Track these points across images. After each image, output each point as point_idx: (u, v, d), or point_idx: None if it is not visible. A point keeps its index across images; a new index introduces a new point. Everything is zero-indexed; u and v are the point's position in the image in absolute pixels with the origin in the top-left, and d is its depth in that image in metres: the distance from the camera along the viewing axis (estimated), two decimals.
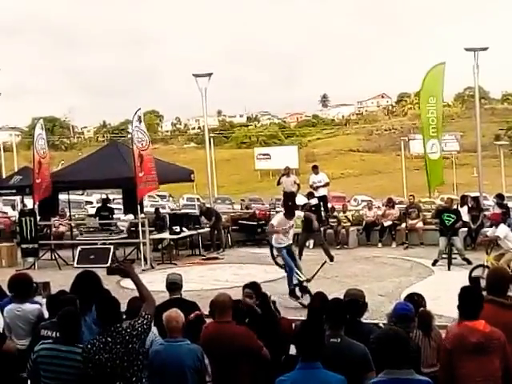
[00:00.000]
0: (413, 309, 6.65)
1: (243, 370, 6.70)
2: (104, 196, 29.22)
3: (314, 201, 19.25)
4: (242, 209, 30.47)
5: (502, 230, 14.84)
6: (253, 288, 8.01)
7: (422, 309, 6.96)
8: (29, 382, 6.39)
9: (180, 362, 6.22)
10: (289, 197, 22.66)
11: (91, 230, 21.40)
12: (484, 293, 6.83)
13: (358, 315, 6.74)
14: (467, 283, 12.21)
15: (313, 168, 23.01)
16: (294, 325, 6.85)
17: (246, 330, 6.85)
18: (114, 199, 32.28)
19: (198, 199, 36.38)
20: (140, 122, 19.00)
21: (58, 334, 6.26)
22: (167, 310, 6.62)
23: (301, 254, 17.85)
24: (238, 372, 6.68)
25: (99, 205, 25.70)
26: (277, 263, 14.98)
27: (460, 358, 5.61)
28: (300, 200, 22.77)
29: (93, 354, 5.64)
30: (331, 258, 17.97)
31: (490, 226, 18.55)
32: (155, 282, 10.31)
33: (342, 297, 6.92)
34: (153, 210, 25.21)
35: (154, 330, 6.72)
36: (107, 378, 5.60)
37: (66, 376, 5.93)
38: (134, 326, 5.70)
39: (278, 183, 23.31)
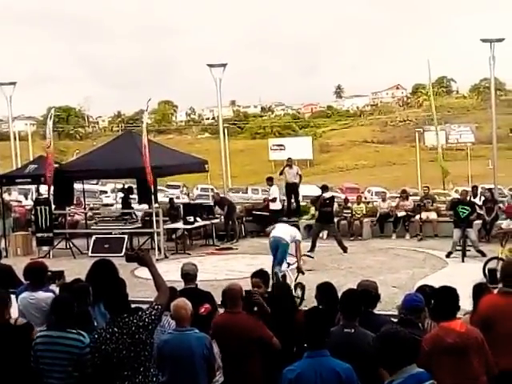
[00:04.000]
0: (423, 300, 6.63)
1: (254, 360, 6.74)
2: (119, 186, 29.31)
3: (328, 194, 19.26)
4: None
5: None
6: (260, 276, 8.02)
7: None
8: None
9: (189, 351, 6.28)
10: (291, 188, 22.87)
11: (106, 219, 21.51)
12: (500, 285, 6.84)
13: (370, 306, 6.75)
14: (481, 275, 12.25)
15: (267, 180, 23.14)
16: None
17: (255, 320, 6.87)
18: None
19: (211, 189, 36.39)
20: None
21: None
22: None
23: (314, 244, 17.90)
24: (250, 362, 6.72)
25: (122, 194, 25.65)
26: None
27: (438, 359, 5.60)
28: (309, 191, 22.82)
29: (99, 344, 5.69)
30: (345, 250, 18.01)
31: (505, 219, 18.54)
32: (169, 271, 10.36)
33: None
34: (167, 199, 25.27)
35: (170, 319, 6.76)
36: (114, 367, 5.64)
37: (59, 361, 6.02)
38: (141, 317, 5.71)
39: (281, 173, 23.56)
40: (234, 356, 6.71)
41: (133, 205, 23.36)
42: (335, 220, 19.80)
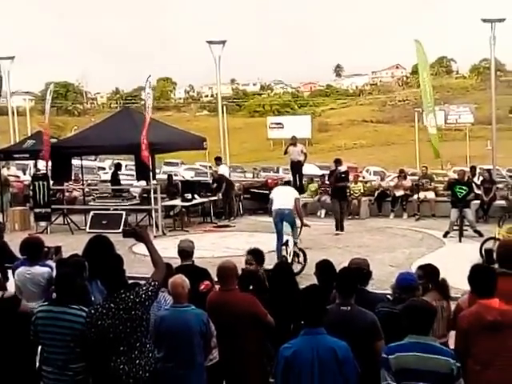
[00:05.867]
0: (416, 278, 6.57)
1: (249, 337, 6.73)
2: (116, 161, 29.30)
3: (343, 168, 19.06)
4: (253, 177, 30.34)
5: None
6: (253, 254, 8.05)
7: (441, 278, 6.88)
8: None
9: (187, 327, 6.30)
10: (296, 166, 22.76)
11: (104, 195, 21.50)
12: (495, 265, 6.82)
13: (363, 284, 6.76)
14: (478, 255, 12.26)
15: (215, 159, 22.99)
16: None
17: (249, 297, 6.86)
18: (126, 165, 32.38)
19: (209, 167, 36.33)
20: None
21: None
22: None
23: (341, 223, 18.01)
24: (244, 339, 6.71)
25: (112, 170, 25.74)
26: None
27: (476, 337, 5.56)
28: (308, 170, 22.57)
29: (95, 320, 5.70)
30: (342, 229, 17.98)
31: None
32: (167, 248, 10.35)
33: None
34: (165, 176, 25.25)
35: (167, 296, 6.78)
36: (110, 342, 5.67)
37: (60, 336, 5.97)
38: (137, 293, 5.73)
39: (285, 152, 23.45)
40: (228, 333, 6.70)
41: (131, 181, 23.38)
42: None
